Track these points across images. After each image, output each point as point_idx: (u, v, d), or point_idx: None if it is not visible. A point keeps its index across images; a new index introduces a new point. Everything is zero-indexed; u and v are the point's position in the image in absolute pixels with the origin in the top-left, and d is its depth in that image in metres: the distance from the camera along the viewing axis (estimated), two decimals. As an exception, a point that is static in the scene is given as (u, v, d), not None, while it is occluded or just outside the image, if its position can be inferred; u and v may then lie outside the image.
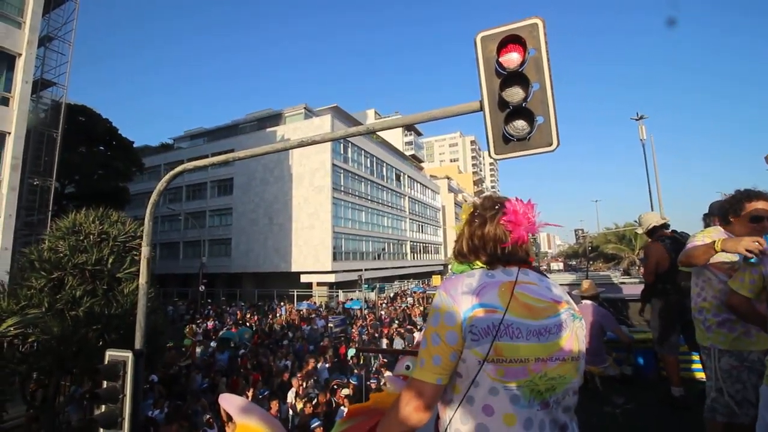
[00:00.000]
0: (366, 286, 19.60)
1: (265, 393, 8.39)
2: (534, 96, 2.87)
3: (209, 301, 26.55)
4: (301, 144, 4.66)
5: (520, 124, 2.87)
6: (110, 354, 4.29)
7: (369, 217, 36.91)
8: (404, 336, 13.98)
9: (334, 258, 29.56)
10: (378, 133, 46.80)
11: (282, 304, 24.46)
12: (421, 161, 67.24)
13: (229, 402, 2.34)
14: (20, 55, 14.29)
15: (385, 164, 41.76)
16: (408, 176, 48.01)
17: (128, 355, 4.18)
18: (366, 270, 27.90)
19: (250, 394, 7.16)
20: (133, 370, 4.15)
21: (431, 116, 3.71)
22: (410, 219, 47.36)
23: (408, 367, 4.66)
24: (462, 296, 1.13)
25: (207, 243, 33.49)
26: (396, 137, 63.07)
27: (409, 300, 28.15)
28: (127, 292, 8.11)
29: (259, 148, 4.96)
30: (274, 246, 31.65)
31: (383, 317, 18.84)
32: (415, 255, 48.23)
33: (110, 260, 8.14)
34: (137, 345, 4.48)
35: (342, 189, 32.47)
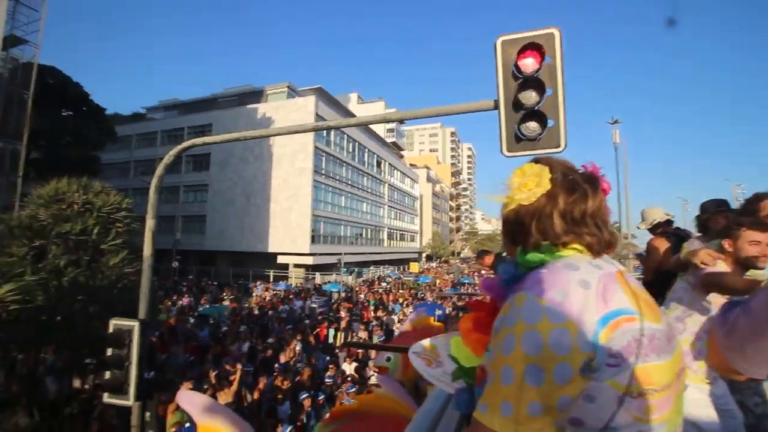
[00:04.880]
0: (344, 269, 19.83)
1: (250, 369, 8.57)
2: (546, 100, 3.16)
3: (186, 278, 26.04)
4: (297, 130, 4.79)
5: (533, 126, 3.15)
6: (115, 323, 4.36)
7: (348, 202, 36.92)
8: (382, 322, 14.40)
9: (312, 241, 29.54)
10: (360, 118, 46.52)
11: (258, 283, 24.35)
12: (401, 149, 67.43)
13: (189, 402, 2.18)
14: (-14, 6, 13.33)
15: (366, 150, 41.68)
16: (389, 163, 48.16)
17: (134, 324, 4.27)
18: (344, 254, 28.14)
19: (238, 370, 7.30)
20: (138, 339, 4.25)
21: (441, 112, 3.94)
22: (389, 206, 47.72)
23: (389, 359, 4.86)
24: (581, 303, 0.74)
25: (181, 219, 32.62)
26: (378, 124, 62.87)
27: (384, 285, 28.77)
28: (112, 264, 8.01)
29: (260, 131, 5.05)
30: (251, 226, 31.23)
31: (361, 301, 19.24)
32: (392, 242, 48.81)
33: (95, 231, 7.98)
34: (141, 315, 4.56)
35: (323, 172, 32.26)
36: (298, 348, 10.64)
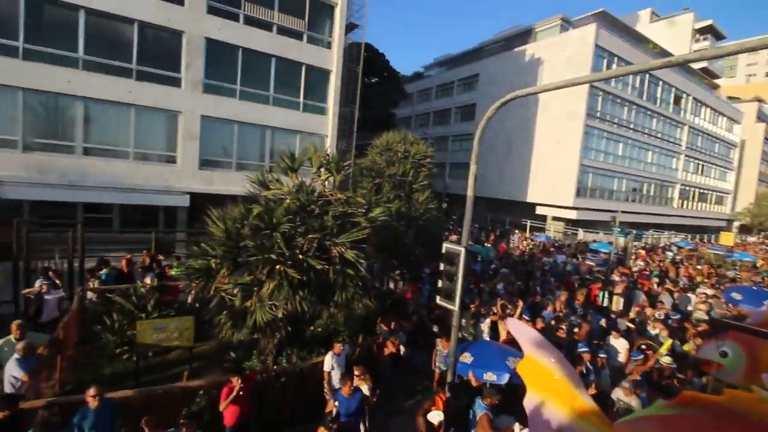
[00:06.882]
0: (618, 229, 17.21)
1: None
2: None
3: (451, 218, 29.84)
4: (590, 79, 4.21)
5: None
6: (447, 246, 5.55)
7: (627, 151, 31.00)
8: (673, 299, 12.01)
9: (578, 194, 27.03)
10: (655, 40, 36.49)
11: (516, 232, 24.96)
12: (716, 76, 49.15)
13: (520, 331, 2.27)
14: (337, 4, 17.93)
15: (660, 83, 32.88)
16: (692, 98, 36.48)
17: (461, 249, 5.32)
18: (619, 212, 24.44)
19: (519, 306, 7.98)
20: (464, 260, 5.28)
21: None
22: (686, 156, 36.96)
23: (725, 354, 3.86)
24: None
25: (449, 166, 36.67)
26: (681, 44, 47.47)
27: (669, 254, 23.38)
28: (420, 200, 10.07)
29: (539, 87, 4.79)
30: (511, 174, 31.52)
31: (641, 268, 16.53)
32: (686, 202, 38.23)
33: (410, 173, 10.18)
34: (463, 244, 5.59)
35: (597, 115, 28.06)
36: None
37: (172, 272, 10.06)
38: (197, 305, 8.10)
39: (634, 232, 20.95)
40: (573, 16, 32.74)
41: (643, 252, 22.03)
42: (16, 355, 5.30)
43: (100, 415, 4.37)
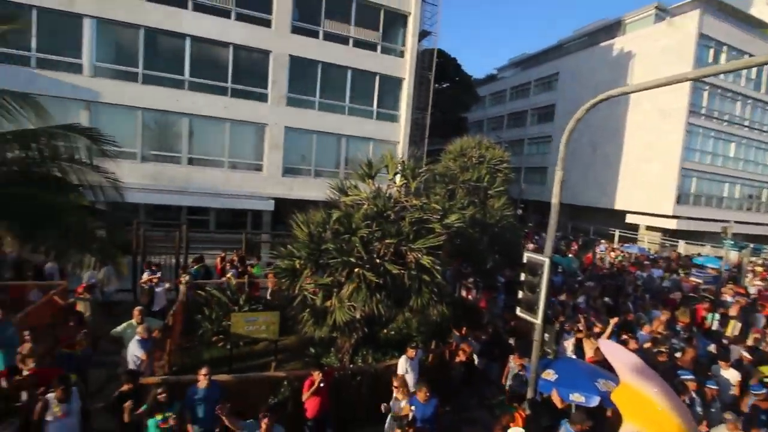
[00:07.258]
0: (731, 242, 14.79)
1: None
2: None
3: (526, 225, 28.37)
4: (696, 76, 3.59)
5: None
6: (528, 256, 5.29)
7: (741, 152, 26.80)
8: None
9: (678, 201, 23.95)
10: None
11: (602, 242, 22.88)
12: None
13: (615, 354, 1.85)
14: (410, 13, 18.18)
15: (787, 71, 27.93)
16: (831, 88, 30.35)
17: (545, 260, 5.02)
18: (733, 222, 21.16)
19: (612, 323, 7.29)
20: (548, 271, 4.99)
21: None
22: (822, 156, 30.82)
23: None
24: None
25: (524, 170, 34.91)
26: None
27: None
28: (496, 206, 9.73)
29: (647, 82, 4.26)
30: (595, 178, 29.01)
31: (763, 289, 14.08)
32: (821, 211, 31.84)
33: (485, 179, 9.89)
34: (547, 254, 5.26)
35: (702, 112, 24.67)
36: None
37: (254, 271, 10.96)
38: (275, 302, 8.72)
39: (751, 245, 17.91)
40: (669, 4, 29.34)
41: (762, 269, 18.74)
42: (137, 337, 6.18)
43: (210, 393, 4.95)
